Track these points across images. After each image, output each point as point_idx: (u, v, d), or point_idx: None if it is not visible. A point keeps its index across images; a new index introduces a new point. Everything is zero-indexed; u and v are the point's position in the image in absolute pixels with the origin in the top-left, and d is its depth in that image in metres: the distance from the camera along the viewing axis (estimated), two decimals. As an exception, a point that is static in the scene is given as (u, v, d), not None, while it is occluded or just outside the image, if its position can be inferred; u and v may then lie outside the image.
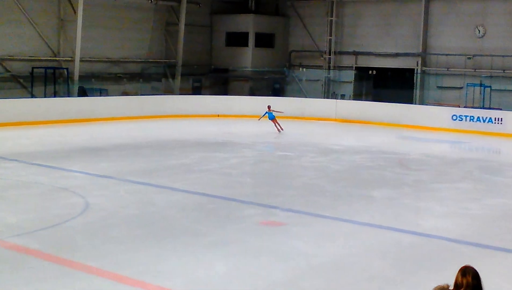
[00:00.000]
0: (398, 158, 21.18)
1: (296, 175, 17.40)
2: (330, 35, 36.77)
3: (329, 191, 15.40)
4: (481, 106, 30.66)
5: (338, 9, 36.71)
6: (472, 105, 30.94)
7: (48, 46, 31.28)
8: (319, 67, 37.47)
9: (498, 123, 28.07)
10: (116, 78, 34.00)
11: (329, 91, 36.95)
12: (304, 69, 37.87)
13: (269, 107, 27.44)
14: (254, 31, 37.50)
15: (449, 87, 33.21)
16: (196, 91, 37.03)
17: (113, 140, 23.35)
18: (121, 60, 34.31)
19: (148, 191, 14.74)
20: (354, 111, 32.08)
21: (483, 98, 31.09)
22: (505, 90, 31.34)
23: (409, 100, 33.31)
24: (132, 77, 34.78)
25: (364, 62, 36.33)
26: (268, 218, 12.55)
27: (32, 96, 30.03)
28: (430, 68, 34.16)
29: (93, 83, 32.54)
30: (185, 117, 30.47)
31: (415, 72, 34.39)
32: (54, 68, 31.05)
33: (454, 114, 29.15)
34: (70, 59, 31.12)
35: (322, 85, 37.12)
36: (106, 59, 33.65)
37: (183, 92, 35.25)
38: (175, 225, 11.78)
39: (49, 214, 12.23)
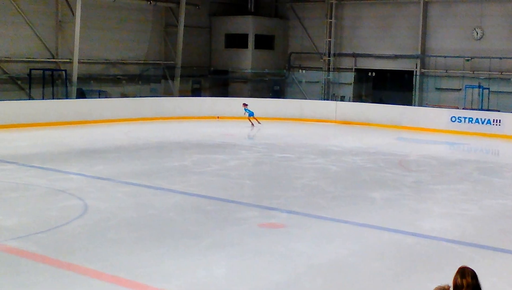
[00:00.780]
0: (398, 159, 21.17)
1: (296, 177, 17.37)
2: (330, 37, 36.77)
3: (328, 192, 15.38)
4: (480, 107, 30.68)
5: (337, 11, 36.72)
6: (470, 107, 30.99)
7: (46, 48, 31.24)
8: (319, 69, 37.48)
9: (496, 124, 28.09)
10: (115, 80, 33.98)
11: (329, 93, 36.96)
12: (304, 70, 37.88)
13: (245, 104, 28.62)
14: (253, 33, 37.50)
15: (448, 89, 33.23)
16: (196, 92, 37.02)
17: (112, 142, 23.32)
18: (120, 61, 34.29)
19: (146, 193, 14.70)
20: (354, 112, 32.09)
21: (482, 100, 31.10)
22: (503, 92, 31.35)
23: (408, 101, 33.34)
24: (131, 78, 34.75)
25: (364, 64, 36.35)
26: (268, 220, 12.53)
27: (30, 98, 29.99)
28: (428, 70, 34.19)
29: (91, 85, 32.51)
30: (185, 119, 30.45)
31: (414, 74, 34.43)
32: (52, 70, 31.01)
33: (452, 115, 29.16)
34: (68, 60, 31.10)
35: (322, 86, 37.12)
36: (105, 61, 33.63)
37: (182, 93, 35.24)
38: (174, 227, 11.75)
39: (47, 217, 12.20)
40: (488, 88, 31.22)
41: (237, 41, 37.88)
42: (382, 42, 35.41)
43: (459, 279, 5.22)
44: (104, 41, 33.32)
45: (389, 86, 35.07)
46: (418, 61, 34.22)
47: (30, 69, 29.99)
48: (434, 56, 33.71)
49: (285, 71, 38.57)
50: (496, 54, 31.59)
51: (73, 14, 30.18)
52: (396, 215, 13.23)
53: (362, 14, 36.19)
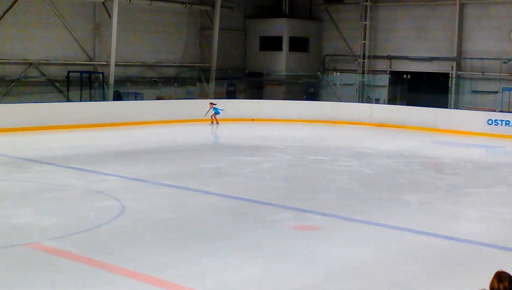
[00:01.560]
0: (432, 162, 21.05)
1: (330, 179, 17.38)
2: (364, 39, 36.67)
3: (362, 195, 15.36)
4: (517, 110, 30.37)
5: (372, 13, 36.60)
6: (507, 110, 30.65)
7: (84, 51, 31.67)
8: (353, 71, 37.39)
9: (534, 127, 27.77)
10: (151, 82, 34.30)
11: (364, 95, 36.84)
12: (338, 73, 37.83)
13: (212, 104, 30.04)
14: (288, 35, 37.54)
15: (484, 91, 32.90)
16: (230, 95, 37.16)
17: (148, 143, 23.55)
18: (156, 64, 34.61)
19: (181, 195, 14.85)
20: (389, 115, 31.92)
21: (519, 103, 30.80)
22: (541, 94, 31.00)
23: (443, 104, 33.05)
24: (167, 81, 35.03)
25: (399, 66, 36.17)
26: (301, 222, 12.57)
27: (68, 100, 30.43)
28: (464, 72, 33.90)
29: (128, 87, 32.85)
30: (219, 121, 30.59)
31: (450, 76, 34.16)
32: (89, 72, 31.43)
33: (489, 118, 28.86)
34: (105, 63, 31.47)
35: (356, 89, 37.02)
36: (141, 63, 33.96)
37: (217, 96, 35.40)
38: (208, 229, 11.84)
39: (84, 217, 12.37)
40: (526, 91, 30.92)
41: (272, 43, 37.96)
42: (417, 44, 35.21)
43: (496, 284, 5.21)
44: (141, 44, 33.65)
45: (424, 88, 34.84)
46: (454, 63, 33.94)
47: (68, 72, 30.42)
48: (470, 58, 33.41)
49: (319, 73, 38.53)
50: (533, 56, 31.29)
51: (110, 17, 30.53)
52: (431, 218, 13.16)
53: (397, 16, 36.02)
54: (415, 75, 35.13)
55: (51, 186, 15.41)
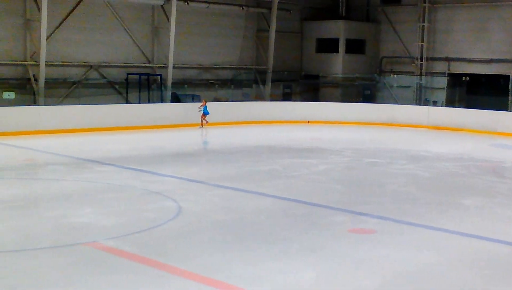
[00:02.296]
0: (492, 166, 20.71)
1: (386, 182, 17.27)
2: (422, 41, 36.32)
3: (419, 198, 15.23)
4: None
5: (430, 15, 36.21)
6: None
7: (143, 53, 32.15)
8: (411, 73, 37.05)
9: None
10: (208, 84, 34.61)
11: (421, 98, 36.47)
12: (395, 75, 37.55)
13: (205, 101, 29.20)
14: (344, 37, 37.43)
15: (546, 93, 32.26)
16: (287, 97, 37.24)
17: (204, 145, 23.76)
18: (213, 66, 34.90)
19: (238, 196, 14.95)
20: (447, 118, 31.53)
21: None
22: None
23: (504, 107, 32.48)
24: (224, 83, 35.31)
25: (457, 68, 35.70)
26: (357, 225, 12.53)
27: (127, 101, 30.94)
28: (525, 75, 33.29)
29: (185, 89, 33.22)
30: (275, 123, 30.69)
31: (510, 78, 33.53)
32: (148, 75, 31.91)
33: (551, 122, 28.29)
34: (163, 65, 31.89)
35: (414, 91, 36.69)
36: (198, 66, 34.30)
37: (273, 98, 35.54)
38: (263, 231, 11.90)
39: (143, 217, 12.58)
40: None
41: (328, 45, 37.90)
42: (477, 46, 34.69)
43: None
44: (198, 46, 33.99)
45: (483, 91, 34.31)
46: (515, 65, 33.38)
47: (127, 74, 30.95)
48: (532, 60, 32.82)
49: (376, 75, 38.30)
50: None
51: (168, 20, 30.93)
52: (490, 223, 12.96)
53: (456, 17, 35.56)
54: (474, 77, 34.64)
55: (110, 186, 15.70)
